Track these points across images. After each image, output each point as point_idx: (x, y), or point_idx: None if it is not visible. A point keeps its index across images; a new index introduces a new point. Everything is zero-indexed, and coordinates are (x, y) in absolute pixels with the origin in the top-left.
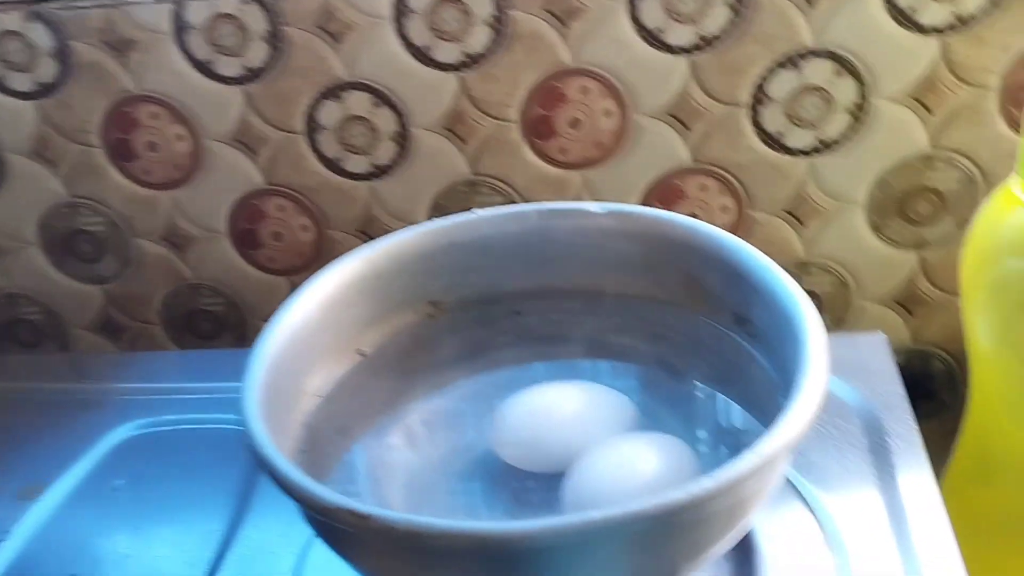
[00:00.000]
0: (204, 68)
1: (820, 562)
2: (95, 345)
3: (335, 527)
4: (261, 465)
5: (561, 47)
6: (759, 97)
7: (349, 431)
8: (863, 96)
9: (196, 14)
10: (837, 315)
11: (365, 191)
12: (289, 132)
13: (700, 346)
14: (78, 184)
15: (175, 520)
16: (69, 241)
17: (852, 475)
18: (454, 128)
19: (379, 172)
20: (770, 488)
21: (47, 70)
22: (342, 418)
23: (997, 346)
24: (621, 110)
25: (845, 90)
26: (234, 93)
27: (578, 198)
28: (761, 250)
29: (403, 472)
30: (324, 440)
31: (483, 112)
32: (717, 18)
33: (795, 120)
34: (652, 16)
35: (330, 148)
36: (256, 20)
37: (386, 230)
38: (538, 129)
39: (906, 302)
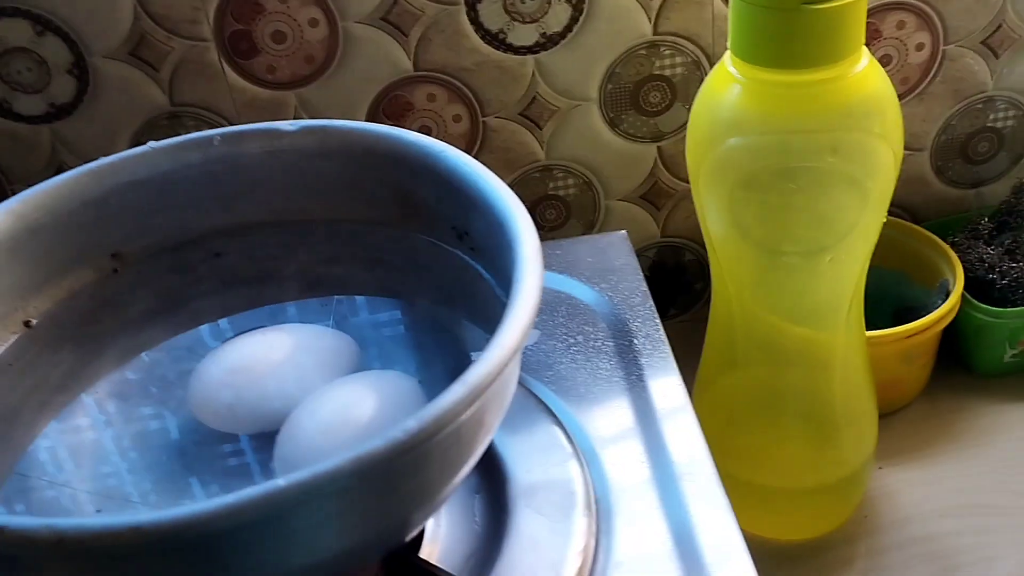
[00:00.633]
0: None
1: (571, 475)
2: None
3: None
4: None
5: None
6: None
7: (20, 418)
8: None
9: None
10: (587, 218)
11: (46, 135)
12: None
13: (421, 267)
14: None
15: None
16: None
17: (601, 383)
18: (139, 53)
19: (58, 112)
20: (494, 415)
21: None
22: (9, 403)
23: (727, 228)
24: (327, 17)
25: None
26: None
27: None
28: (501, 157)
29: (95, 457)
30: None
31: (168, 31)
32: None
33: (516, 16)
34: None
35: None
36: None
37: None
38: (237, 46)
39: (651, 196)
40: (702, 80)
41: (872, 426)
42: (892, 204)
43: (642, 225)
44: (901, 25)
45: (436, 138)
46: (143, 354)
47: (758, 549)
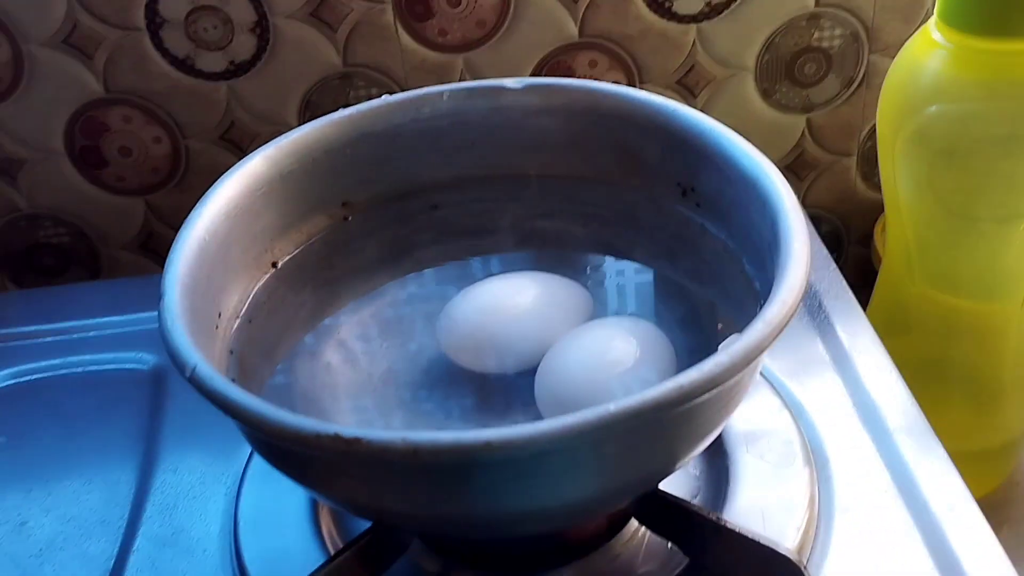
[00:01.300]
0: None
1: (785, 424)
2: None
3: (311, 458)
4: (215, 401)
5: None
6: None
7: (276, 353)
8: None
9: None
10: None
11: (224, 92)
12: (128, 29)
13: (640, 223)
14: None
15: (73, 476)
16: None
17: (792, 337)
18: (320, 14)
19: (238, 70)
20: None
21: None
22: (266, 339)
23: (921, 194)
24: None
25: None
26: None
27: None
28: None
29: (346, 392)
30: (252, 366)
31: None
32: None
33: None
34: None
35: (178, 45)
36: None
37: (252, 135)
38: (413, 9)
39: (795, 167)
40: (859, 53)
41: None
42: None
43: None
44: None
45: None
46: (376, 298)
47: None
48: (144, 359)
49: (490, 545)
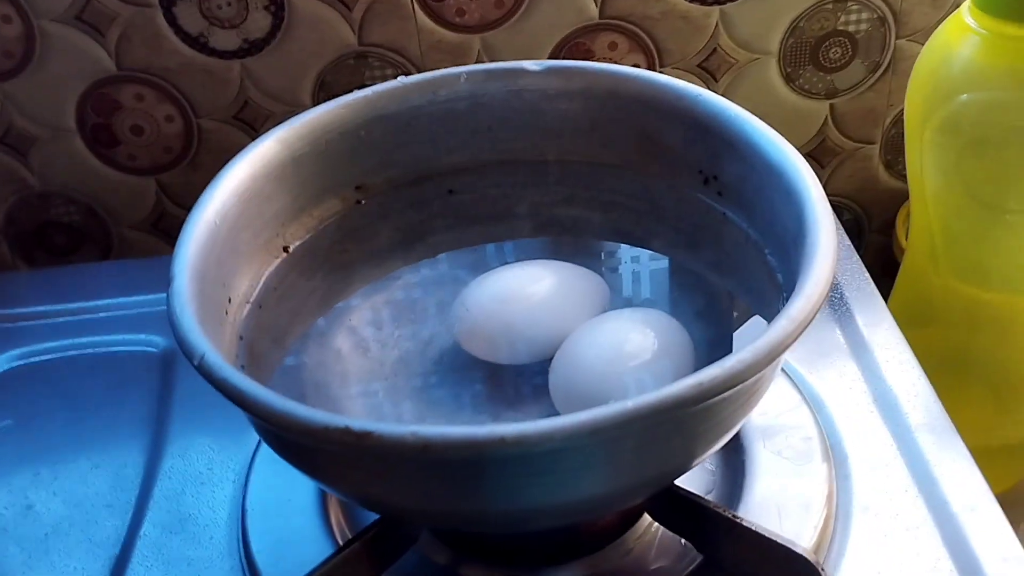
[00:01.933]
0: None
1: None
2: None
3: (320, 450)
4: (223, 391)
5: None
6: None
7: (286, 340)
8: None
9: None
10: None
11: (237, 71)
12: (141, 6)
13: (661, 211)
14: None
15: (80, 460)
16: None
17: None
18: None
19: (251, 48)
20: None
21: None
22: (276, 325)
23: (949, 183)
24: None
25: None
26: None
27: (479, 57)
28: None
29: (356, 380)
30: (261, 352)
31: None
32: None
33: None
34: None
35: (192, 22)
36: None
37: (266, 114)
38: None
39: (816, 153)
40: (885, 37)
41: None
42: None
43: None
44: None
45: None
46: (389, 284)
47: None
48: (154, 342)
49: (501, 539)
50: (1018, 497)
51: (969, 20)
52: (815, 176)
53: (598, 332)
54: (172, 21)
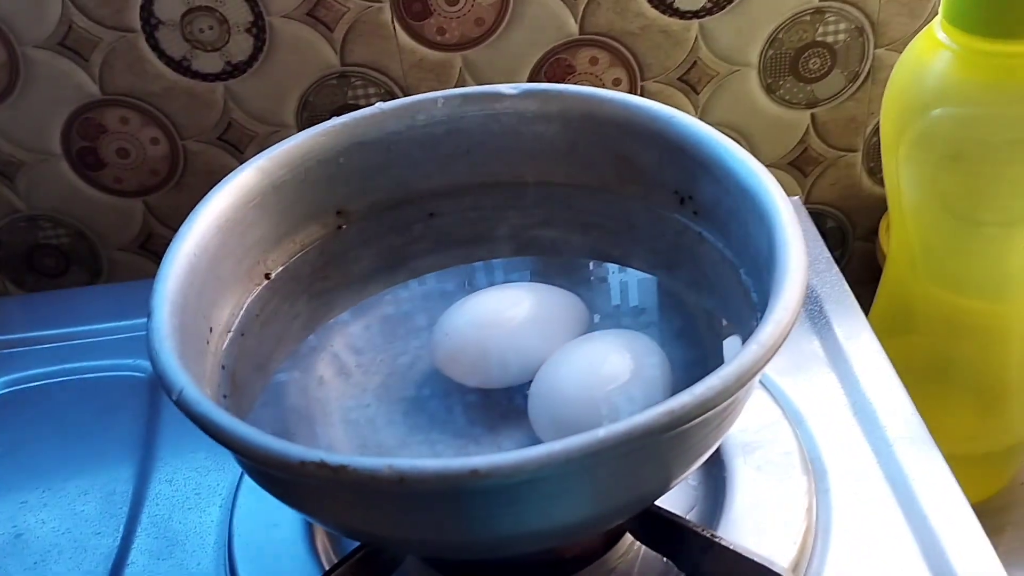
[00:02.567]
0: None
1: (784, 434)
2: None
3: (299, 483)
4: (202, 426)
5: None
6: None
7: (269, 366)
8: None
9: None
10: None
11: (221, 93)
12: (123, 31)
13: (638, 231)
14: None
15: (69, 487)
16: None
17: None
18: (316, 14)
19: (234, 70)
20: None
21: None
22: (259, 352)
23: (925, 197)
24: None
25: None
26: None
27: (461, 82)
28: None
29: (338, 406)
30: (244, 380)
31: None
32: None
33: None
34: None
35: (174, 46)
36: None
37: (250, 135)
38: (411, 8)
39: (799, 163)
40: (864, 47)
41: None
42: None
43: (786, 190)
44: None
45: None
46: (371, 308)
47: None
48: (142, 366)
49: (485, 561)
50: (1002, 504)
51: (941, 35)
52: (787, 199)
53: (575, 356)
54: (155, 45)
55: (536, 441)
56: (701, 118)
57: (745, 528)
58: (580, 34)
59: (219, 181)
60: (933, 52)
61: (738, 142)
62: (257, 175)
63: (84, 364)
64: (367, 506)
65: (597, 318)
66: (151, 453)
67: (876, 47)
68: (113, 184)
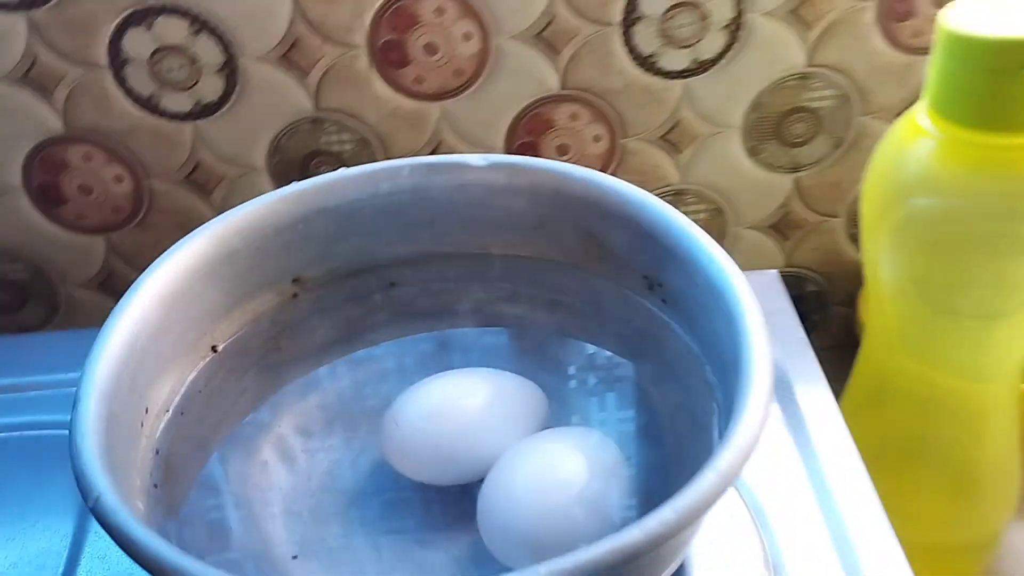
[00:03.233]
0: None
1: (746, 533)
2: None
3: None
4: (113, 536)
5: None
6: (631, 15)
7: (209, 447)
8: (739, 11)
9: None
10: None
11: (189, 133)
12: (89, 66)
13: (605, 313)
14: None
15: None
16: None
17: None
18: (291, 58)
19: (204, 111)
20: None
21: None
22: (199, 433)
23: (902, 284)
24: (482, 32)
25: (721, 5)
26: (16, 21)
27: (437, 133)
28: (635, 179)
29: (280, 495)
30: (179, 464)
31: (325, 37)
32: None
33: (670, 41)
34: None
35: (142, 84)
36: None
37: (219, 177)
38: (389, 56)
39: (780, 226)
40: (849, 114)
41: (1016, 488)
42: None
43: (766, 254)
44: None
45: (574, 157)
46: (323, 384)
47: None
48: None
49: None
50: None
51: (923, 121)
52: (755, 303)
53: (527, 458)
54: (122, 82)
55: (484, 550)
56: (683, 178)
57: None
58: (561, 89)
59: (183, 224)
60: (915, 138)
61: (720, 204)
62: (209, 243)
63: (22, 419)
64: None
65: (558, 409)
66: (85, 525)
67: (862, 114)
68: (75, 220)
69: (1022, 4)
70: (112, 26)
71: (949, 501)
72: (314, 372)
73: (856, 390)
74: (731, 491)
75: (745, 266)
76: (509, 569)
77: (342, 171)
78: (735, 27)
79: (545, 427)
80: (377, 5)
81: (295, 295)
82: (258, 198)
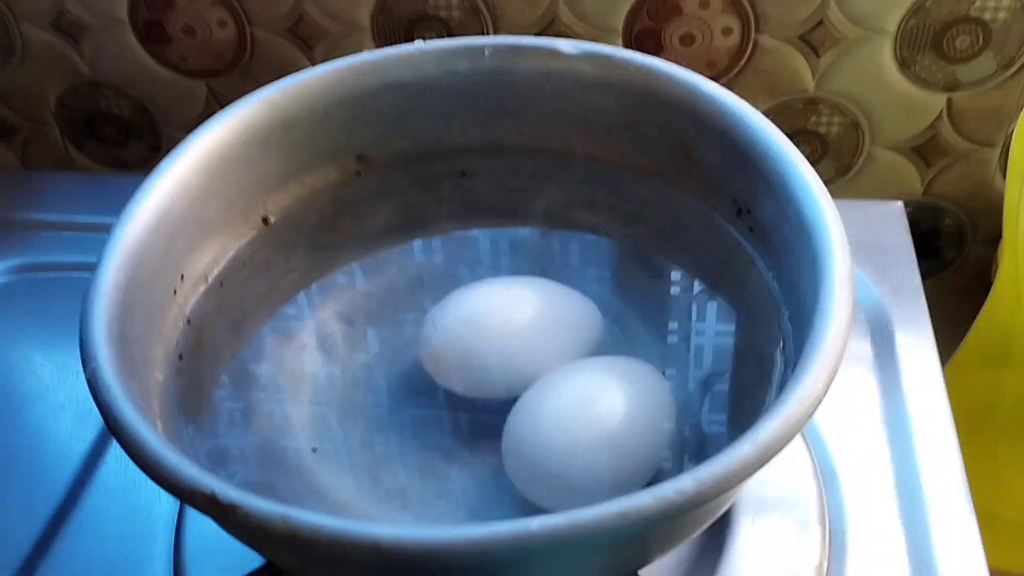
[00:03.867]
0: None
1: (806, 491)
2: None
3: None
4: (105, 418)
5: None
6: None
7: (245, 326)
8: None
9: None
10: (843, 161)
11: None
12: None
13: (686, 235)
14: None
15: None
16: None
17: (850, 388)
18: (297, 30)
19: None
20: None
21: None
22: (237, 308)
23: None
24: None
25: None
26: None
27: (552, 8)
28: (764, 80)
29: (311, 384)
30: (211, 338)
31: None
32: None
33: None
34: None
35: None
36: None
37: (322, 32)
38: None
39: (924, 151)
40: None
41: None
42: None
43: (904, 180)
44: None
45: (698, 48)
46: (374, 272)
47: None
48: None
49: None
50: None
51: None
52: (847, 255)
53: (564, 386)
54: None
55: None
56: (817, 84)
57: None
58: None
59: (285, 75)
60: None
61: (857, 118)
62: (265, 109)
63: None
64: (262, 548)
65: (613, 334)
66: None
67: None
68: (178, 61)
69: None
70: None
71: None
72: (368, 258)
73: (974, 344)
74: (801, 445)
75: (876, 191)
76: (527, 501)
77: (418, 44)
78: None
79: (596, 352)
80: None
81: (358, 173)
82: (323, 65)
